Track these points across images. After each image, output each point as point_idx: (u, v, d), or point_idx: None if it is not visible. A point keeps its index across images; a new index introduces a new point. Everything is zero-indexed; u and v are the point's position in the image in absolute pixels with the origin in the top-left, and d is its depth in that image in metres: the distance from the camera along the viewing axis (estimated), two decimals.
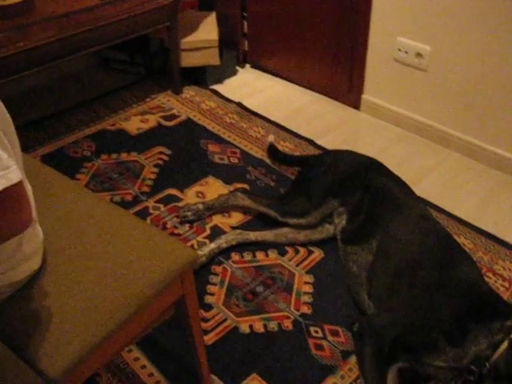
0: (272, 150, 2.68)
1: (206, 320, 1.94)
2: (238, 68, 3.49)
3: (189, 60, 3.15)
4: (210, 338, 1.88)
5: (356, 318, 1.87)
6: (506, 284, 2.13)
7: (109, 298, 1.24)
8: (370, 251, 1.97)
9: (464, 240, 2.30)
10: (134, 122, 2.95)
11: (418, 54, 2.76)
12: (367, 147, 2.79)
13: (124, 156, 2.70)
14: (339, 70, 3.09)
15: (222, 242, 2.19)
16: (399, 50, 2.82)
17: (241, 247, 2.21)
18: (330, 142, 2.79)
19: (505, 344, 1.66)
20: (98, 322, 1.20)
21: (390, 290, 1.84)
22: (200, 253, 2.13)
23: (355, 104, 3.14)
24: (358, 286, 1.98)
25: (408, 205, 2.07)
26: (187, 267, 1.35)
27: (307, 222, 2.20)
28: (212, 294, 2.03)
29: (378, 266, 1.93)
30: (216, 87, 3.30)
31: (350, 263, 2.03)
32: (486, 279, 2.11)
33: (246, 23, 3.41)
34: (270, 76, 3.43)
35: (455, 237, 2.25)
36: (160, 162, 2.67)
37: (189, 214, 2.33)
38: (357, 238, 2.05)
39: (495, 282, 2.14)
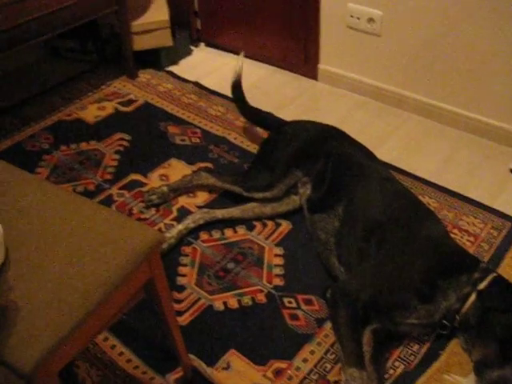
0: (237, 92, 2.61)
1: (179, 301, 1.94)
2: (192, 47, 3.44)
3: (141, 43, 3.09)
4: (185, 319, 1.88)
5: (328, 285, 1.89)
6: (472, 239, 2.17)
7: (76, 287, 1.23)
8: (337, 217, 1.99)
9: (428, 199, 2.34)
10: (91, 111, 2.90)
11: (370, 20, 2.76)
12: (327, 116, 2.80)
13: (83, 145, 2.66)
14: (293, 41, 3.07)
15: (189, 222, 2.18)
16: (351, 16, 2.82)
17: (209, 226, 2.21)
18: (289, 114, 2.79)
19: (473, 296, 1.71)
20: (67, 311, 1.19)
21: (359, 253, 1.86)
22: (168, 235, 2.12)
23: (312, 74, 3.13)
24: (327, 253, 2.00)
25: (371, 169, 2.09)
26: (153, 249, 1.34)
27: (272, 195, 2.20)
28: (184, 275, 2.03)
29: (346, 231, 1.95)
30: (172, 68, 3.25)
31: (317, 231, 2.05)
32: (453, 236, 2.15)
33: (196, 1, 3.36)
34: (225, 53, 3.40)
35: (420, 197, 2.29)
36: (121, 148, 2.63)
37: (154, 197, 2.31)
38: (322, 205, 2.06)
39: (461, 237, 2.18)
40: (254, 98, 2.96)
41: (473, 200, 2.34)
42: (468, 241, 2.16)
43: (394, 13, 2.67)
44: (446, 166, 2.54)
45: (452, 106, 2.72)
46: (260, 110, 2.61)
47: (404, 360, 1.76)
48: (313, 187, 2.15)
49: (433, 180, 2.43)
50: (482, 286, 1.72)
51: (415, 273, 1.73)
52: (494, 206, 2.32)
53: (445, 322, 1.74)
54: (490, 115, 2.62)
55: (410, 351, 1.79)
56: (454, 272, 1.75)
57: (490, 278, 1.74)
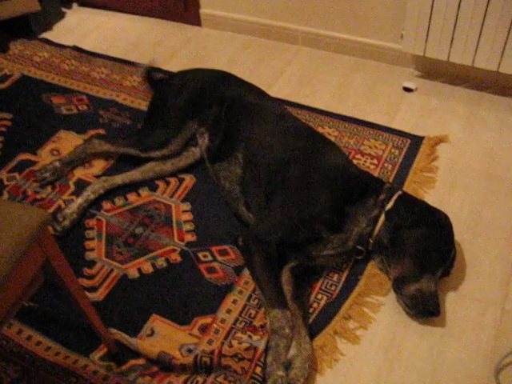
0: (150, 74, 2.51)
1: (91, 277, 1.85)
2: (64, 10, 3.22)
3: (5, 11, 2.84)
4: (100, 294, 1.80)
5: (239, 233, 1.86)
6: (375, 161, 2.19)
7: None
8: (238, 164, 1.94)
9: (328, 130, 2.33)
10: None
11: None
12: (216, 61, 2.72)
13: None
14: None
15: (88, 193, 2.07)
16: None
17: (110, 194, 2.11)
18: (177, 65, 2.68)
19: (382, 217, 1.73)
20: None
21: (265, 196, 1.83)
22: (68, 211, 2.01)
23: (195, 21, 3.01)
24: (234, 201, 1.96)
25: (264, 109, 2.04)
26: (41, 230, 1.24)
27: (170, 151, 2.12)
28: (92, 250, 1.94)
29: (249, 176, 1.91)
30: (45, 35, 3.04)
31: (221, 181, 2.00)
32: (356, 161, 2.17)
33: None
34: (101, 11, 3.20)
35: (319, 129, 2.29)
36: (3, 128, 2.44)
37: (47, 175, 2.17)
38: (222, 153, 2.01)
39: (365, 161, 2.19)
40: (138, 55, 2.83)
41: (371, 123, 2.36)
42: (372, 164, 2.18)
43: None
44: (341, 93, 2.54)
45: (339, 33, 2.70)
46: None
47: (326, 291, 1.78)
48: (210, 136, 2.08)
49: (329, 110, 2.42)
50: (388, 206, 1.74)
51: (322, 204, 1.72)
52: (393, 126, 2.35)
53: (359, 247, 1.76)
54: (376, 37, 2.63)
55: (330, 282, 1.80)
56: (360, 197, 1.76)
57: (395, 196, 1.76)
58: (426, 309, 1.63)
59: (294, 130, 1.95)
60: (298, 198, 1.76)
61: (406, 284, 1.66)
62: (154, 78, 2.50)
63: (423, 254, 1.66)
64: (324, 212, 1.72)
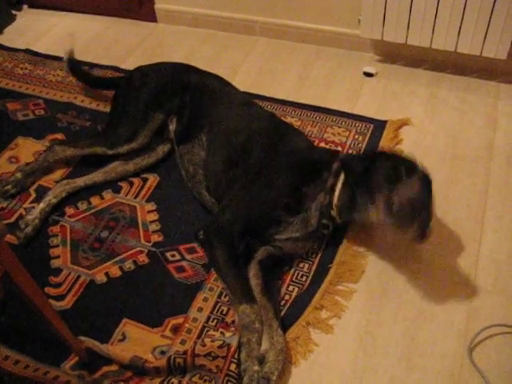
0: (74, 66, 2.45)
1: (58, 285, 1.80)
2: (14, 12, 3.13)
3: None
4: (68, 302, 1.76)
5: (199, 226, 1.83)
6: (340, 148, 2.18)
7: None
8: (202, 147, 1.93)
9: (291, 119, 2.32)
10: None
11: None
12: (174, 56, 2.68)
13: None
14: None
15: (50, 198, 2.01)
16: None
17: (73, 198, 2.06)
18: (135, 63, 2.60)
19: (339, 185, 1.70)
20: None
21: (227, 182, 1.82)
22: (29, 217, 1.96)
23: (151, 17, 2.96)
24: (198, 186, 1.95)
25: (229, 95, 2.04)
26: None
27: (139, 145, 2.08)
28: (57, 257, 1.89)
29: (212, 160, 1.90)
30: None
31: (186, 164, 1.98)
32: None
33: None
34: (53, 12, 3.12)
35: (282, 119, 2.26)
36: None
37: (9, 187, 2.09)
38: (187, 135, 2.00)
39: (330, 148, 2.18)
40: (95, 54, 2.78)
41: (333, 110, 2.35)
42: (336, 151, 2.17)
43: None
44: (302, 82, 2.52)
45: (297, 22, 2.68)
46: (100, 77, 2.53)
47: (297, 283, 1.76)
48: (177, 120, 2.07)
49: (291, 99, 2.40)
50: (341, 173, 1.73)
51: (278, 189, 1.72)
52: (355, 112, 2.35)
53: (324, 221, 1.75)
54: (333, 23, 2.62)
55: (301, 273, 1.79)
56: (316, 174, 1.75)
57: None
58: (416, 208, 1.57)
59: (258, 117, 1.95)
60: (259, 184, 1.75)
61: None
62: (79, 69, 2.48)
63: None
64: (280, 197, 1.71)
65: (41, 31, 3.00)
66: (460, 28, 2.27)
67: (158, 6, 2.92)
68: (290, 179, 1.73)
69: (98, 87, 2.48)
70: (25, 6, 3.18)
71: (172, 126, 2.10)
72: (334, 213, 1.73)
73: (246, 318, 1.56)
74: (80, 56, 2.73)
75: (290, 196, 1.71)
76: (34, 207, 2.02)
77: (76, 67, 2.46)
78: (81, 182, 2.08)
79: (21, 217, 2.01)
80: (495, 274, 1.75)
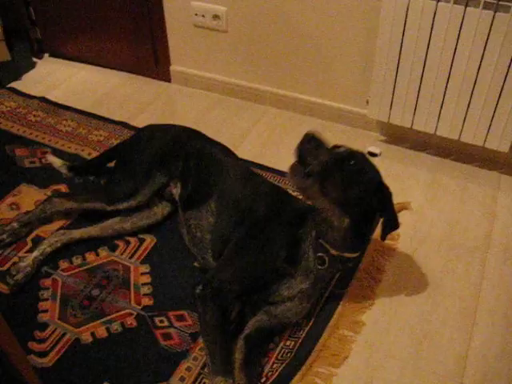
0: (76, 168, 2.38)
1: (42, 341, 1.78)
2: (35, 60, 3.22)
3: None
4: (50, 359, 1.73)
5: (199, 281, 1.81)
6: None
7: None
8: (211, 213, 1.94)
9: (292, 193, 2.33)
10: None
11: (215, 16, 2.71)
12: (184, 118, 2.73)
13: None
14: (142, 44, 2.96)
15: (44, 247, 2.02)
16: (196, 14, 2.76)
17: (69, 252, 2.06)
18: (145, 121, 2.68)
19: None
20: None
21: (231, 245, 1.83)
22: (22, 264, 1.96)
23: (165, 77, 3.04)
24: (203, 251, 1.95)
25: (233, 164, 2.07)
26: None
27: (138, 203, 2.09)
28: (45, 311, 1.87)
29: (220, 225, 1.91)
30: (14, 85, 3.02)
31: (193, 229, 1.98)
32: None
33: (32, 8, 3.13)
34: (72, 63, 3.21)
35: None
36: None
37: (4, 236, 2.09)
38: (194, 201, 2.01)
39: None
40: (107, 109, 2.84)
41: None
42: None
43: (237, 7, 2.64)
44: None
45: (306, 96, 2.75)
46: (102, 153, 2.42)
47: (282, 360, 1.74)
48: (182, 185, 2.08)
49: None
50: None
51: (282, 242, 1.74)
52: None
53: (320, 254, 1.72)
54: (341, 101, 2.68)
55: (286, 350, 1.77)
56: (304, 220, 1.78)
57: None
58: None
59: (262, 185, 1.98)
60: (260, 242, 1.76)
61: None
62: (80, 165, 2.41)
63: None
64: (284, 249, 1.73)
65: (58, 80, 3.07)
66: (465, 118, 2.32)
67: (173, 67, 3.00)
68: (284, 231, 1.76)
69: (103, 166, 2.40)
70: (46, 55, 3.27)
71: (176, 190, 2.12)
72: (323, 242, 1.72)
73: None
74: (93, 109, 2.82)
75: (290, 248, 1.72)
76: (27, 255, 2.02)
77: (79, 168, 2.40)
78: (77, 233, 2.08)
79: (13, 265, 2.00)
80: (484, 371, 1.73)
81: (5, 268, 2.00)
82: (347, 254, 1.72)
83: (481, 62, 2.17)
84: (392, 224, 1.74)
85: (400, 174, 2.46)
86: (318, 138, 1.65)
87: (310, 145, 1.64)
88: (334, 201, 1.62)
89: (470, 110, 2.29)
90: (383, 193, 1.70)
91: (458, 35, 2.15)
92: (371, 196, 1.66)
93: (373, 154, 2.55)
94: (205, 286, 1.72)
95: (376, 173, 1.71)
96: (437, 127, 2.40)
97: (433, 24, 2.17)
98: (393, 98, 2.41)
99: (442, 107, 2.34)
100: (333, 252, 1.70)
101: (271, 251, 1.73)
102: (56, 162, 2.39)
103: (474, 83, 2.22)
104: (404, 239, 2.15)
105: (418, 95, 2.35)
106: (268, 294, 1.75)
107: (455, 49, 2.18)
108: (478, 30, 2.10)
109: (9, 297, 1.90)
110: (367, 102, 2.50)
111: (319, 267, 1.74)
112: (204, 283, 1.73)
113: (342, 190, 1.61)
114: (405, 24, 2.21)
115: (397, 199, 2.28)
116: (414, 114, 2.41)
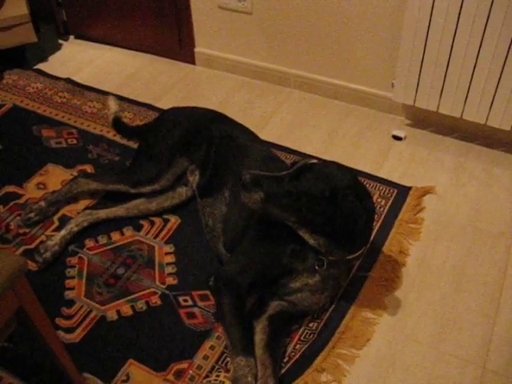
0: (118, 124, 2.52)
1: (69, 317, 1.82)
2: (60, 41, 3.24)
3: (3, 42, 2.86)
4: (77, 335, 1.77)
5: (211, 273, 1.84)
6: None
7: None
8: (224, 202, 1.95)
9: None
10: None
11: None
12: (208, 100, 2.74)
13: None
14: (166, 26, 2.96)
15: (72, 226, 2.05)
16: None
17: (94, 231, 2.09)
18: (170, 103, 2.69)
19: None
20: None
21: (242, 236, 1.83)
22: (50, 242, 1.99)
23: (190, 59, 3.04)
24: (215, 240, 1.96)
25: (253, 149, 2.06)
26: (16, 277, 1.22)
27: (161, 187, 2.11)
28: (72, 289, 1.91)
29: (232, 215, 1.92)
30: (40, 66, 3.05)
31: (206, 217, 2.00)
32: None
33: None
34: (97, 45, 3.22)
35: None
36: None
37: (32, 215, 2.14)
38: (210, 189, 2.02)
39: None
40: (132, 90, 2.85)
41: (359, 171, 2.35)
42: None
43: None
44: (331, 139, 2.55)
45: (331, 79, 2.73)
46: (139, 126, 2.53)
47: (305, 341, 1.75)
48: (200, 173, 2.10)
49: (318, 155, 2.42)
50: None
51: (285, 238, 1.72)
52: (380, 174, 2.35)
53: (319, 257, 1.71)
54: (366, 84, 2.66)
55: (309, 331, 1.78)
56: None
57: None
58: None
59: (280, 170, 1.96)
60: (270, 234, 1.75)
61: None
62: (123, 126, 2.52)
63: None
64: (285, 244, 1.72)
65: (83, 62, 3.09)
66: (492, 102, 2.29)
67: (197, 49, 3.00)
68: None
69: (135, 137, 2.50)
70: (71, 37, 3.29)
71: (193, 178, 2.13)
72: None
73: (239, 371, 1.56)
74: (118, 90, 2.83)
75: (295, 241, 1.71)
76: (55, 234, 2.06)
77: (120, 125, 2.52)
78: (103, 214, 2.11)
79: (41, 243, 2.04)
80: (508, 357, 1.72)
81: (33, 246, 2.04)
82: (347, 257, 1.71)
83: (510, 44, 2.13)
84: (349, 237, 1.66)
85: (425, 158, 2.44)
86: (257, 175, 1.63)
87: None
88: (298, 224, 1.63)
89: (498, 94, 2.26)
90: (344, 198, 1.58)
91: (488, 16, 2.11)
92: (331, 206, 1.58)
93: (398, 138, 2.53)
94: (216, 278, 1.76)
95: (330, 181, 1.60)
96: (463, 111, 2.37)
97: (462, 4, 2.13)
98: (419, 80, 2.38)
99: (468, 90, 2.31)
100: (330, 258, 1.70)
101: (278, 246, 1.73)
102: (112, 107, 2.49)
103: (503, 66, 2.18)
104: (428, 223, 2.14)
105: (444, 78, 2.32)
106: (277, 287, 1.75)
107: (484, 30, 2.14)
108: (508, 12, 2.06)
109: (37, 274, 1.94)
110: (392, 85, 2.47)
111: (320, 268, 1.74)
112: (215, 275, 1.77)
113: (296, 212, 1.61)
114: (433, 3, 2.18)
115: (421, 183, 2.30)
116: (440, 98, 2.38)
